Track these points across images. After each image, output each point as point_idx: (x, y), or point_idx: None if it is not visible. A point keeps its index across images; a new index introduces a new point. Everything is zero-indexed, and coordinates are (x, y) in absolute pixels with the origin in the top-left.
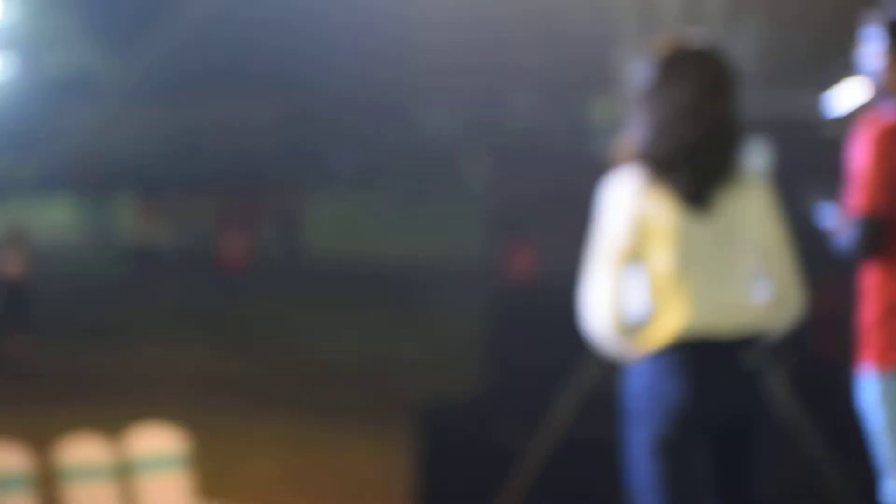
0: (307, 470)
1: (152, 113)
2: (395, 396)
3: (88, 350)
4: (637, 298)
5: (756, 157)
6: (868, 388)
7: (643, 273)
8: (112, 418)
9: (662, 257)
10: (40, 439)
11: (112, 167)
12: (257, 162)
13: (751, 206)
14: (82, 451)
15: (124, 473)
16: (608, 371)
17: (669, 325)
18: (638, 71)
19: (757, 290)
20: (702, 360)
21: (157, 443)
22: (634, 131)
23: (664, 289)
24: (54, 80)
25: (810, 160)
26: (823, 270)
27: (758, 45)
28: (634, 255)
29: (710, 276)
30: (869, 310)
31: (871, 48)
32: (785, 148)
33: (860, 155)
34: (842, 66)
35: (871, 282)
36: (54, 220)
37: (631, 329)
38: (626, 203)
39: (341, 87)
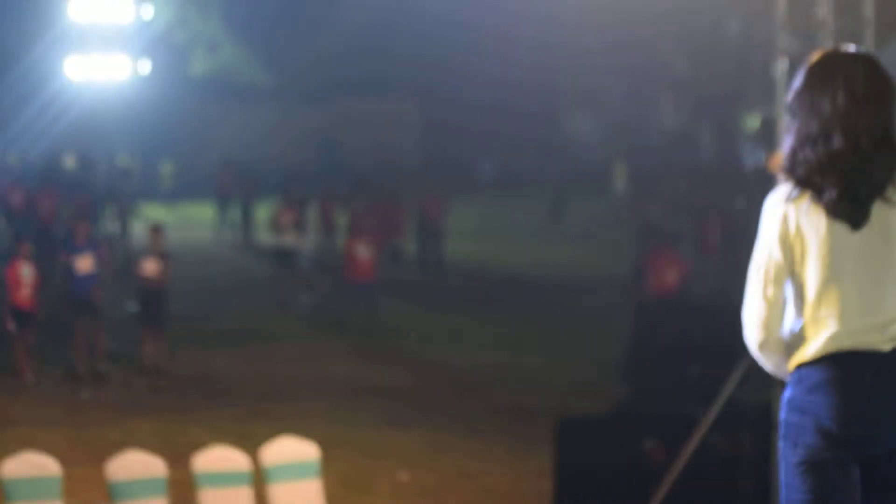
0: (442, 480)
1: (297, 118)
2: (534, 407)
3: (222, 356)
4: (792, 313)
5: None
6: None
7: (797, 287)
8: (247, 426)
9: (814, 271)
10: (177, 447)
11: (255, 172)
12: (400, 168)
13: None
14: (218, 459)
15: (259, 481)
16: (753, 384)
17: (821, 339)
18: (792, 81)
19: None
20: (854, 374)
21: (292, 451)
22: (785, 143)
23: (815, 303)
24: (200, 85)
25: None
26: None
27: None
28: (789, 269)
29: (863, 289)
30: None
31: None
32: None
33: None
34: None
35: None
36: (196, 223)
37: (786, 345)
38: (778, 217)
39: (486, 94)
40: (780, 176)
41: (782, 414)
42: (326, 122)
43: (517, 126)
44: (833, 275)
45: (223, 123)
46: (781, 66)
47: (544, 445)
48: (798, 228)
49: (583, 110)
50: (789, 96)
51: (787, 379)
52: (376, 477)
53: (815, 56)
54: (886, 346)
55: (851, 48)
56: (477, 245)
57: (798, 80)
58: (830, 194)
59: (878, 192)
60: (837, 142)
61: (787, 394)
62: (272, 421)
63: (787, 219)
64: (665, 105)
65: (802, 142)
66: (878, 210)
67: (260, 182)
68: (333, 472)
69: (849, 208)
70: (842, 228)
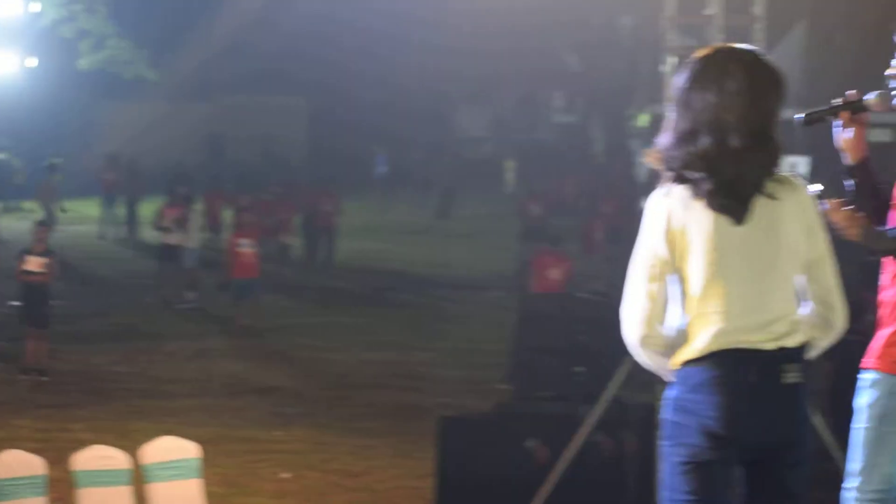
0: (325, 480)
1: (184, 114)
2: (420, 405)
3: (105, 354)
4: (674, 310)
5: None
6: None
7: (680, 283)
8: (129, 424)
9: (698, 268)
10: (58, 445)
11: (141, 168)
12: (288, 165)
13: (792, 217)
14: (97, 457)
15: (138, 480)
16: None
17: (705, 337)
18: (675, 78)
19: (800, 303)
20: (737, 373)
21: (172, 450)
22: (661, 139)
23: (699, 300)
24: (87, 80)
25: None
26: None
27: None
28: (672, 265)
29: (747, 287)
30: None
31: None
32: None
33: None
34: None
35: None
36: (82, 220)
37: (668, 343)
38: (662, 213)
39: (376, 91)
40: (660, 171)
41: (665, 413)
42: (213, 118)
43: (407, 123)
44: (717, 271)
45: (110, 119)
46: (670, 63)
47: (429, 444)
48: (682, 224)
49: (473, 107)
50: (676, 94)
51: (668, 377)
52: (258, 476)
53: (699, 53)
54: (770, 345)
55: (739, 45)
56: (365, 242)
57: (680, 78)
58: (706, 190)
59: (755, 188)
60: (704, 140)
61: (669, 393)
62: (154, 419)
63: (671, 214)
64: (556, 102)
65: (676, 139)
66: (760, 206)
67: (145, 178)
68: (215, 472)
69: (727, 204)
70: (725, 224)
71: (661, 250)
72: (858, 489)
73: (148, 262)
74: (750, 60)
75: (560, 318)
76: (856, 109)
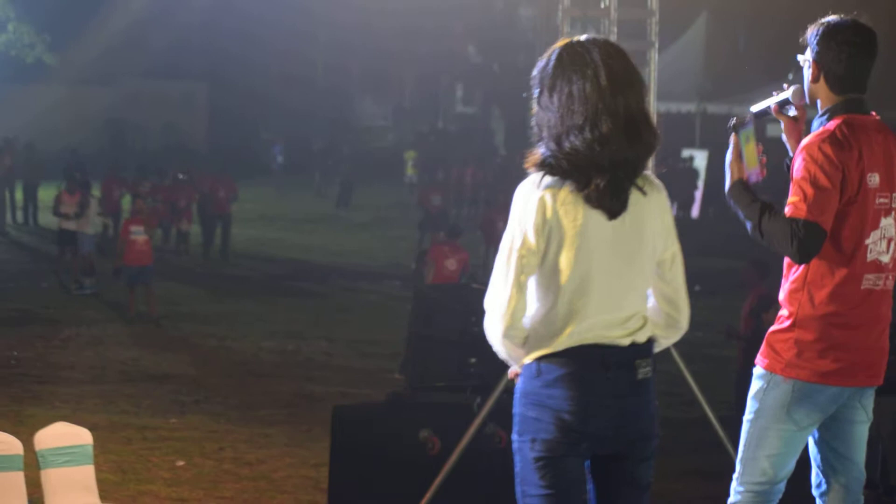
0: (219, 468)
1: (84, 100)
2: (316, 395)
3: (1, 338)
4: (537, 303)
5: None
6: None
7: (546, 277)
8: (24, 410)
9: (566, 262)
10: None
11: (39, 153)
12: (188, 152)
13: (655, 215)
14: None
15: (32, 466)
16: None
17: (566, 332)
18: (536, 73)
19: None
20: (595, 368)
21: (65, 436)
22: (543, 133)
23: (564, 295)
24: None
25: None
26: None
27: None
28: (541, 258)
29: (610, 283)
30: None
31: (804, 57)
32: None
33: (811, 161)
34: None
35: (794, 287)
36: None
37: (527, 334)
38: (534, 205)
39: (277, 81)
40: (535, 168)
41: (517, 408)
42: (114, 103)
43: (308, 112)
44: (584, 267)
45: (9, 102)
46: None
47: (324, 433)
48: (556, 217)
49: (374, 97)
50: (537, 88)
51: (516, 368)
52: (153, 464)
53: (556, 46)
54: (625, 341)
55: (594, 36)
56: (264, 231)
57: (546, 71)
58: (596, 184)
59: (630, 181)
60: (605, 127)
61: (522, 387)
62: (49, 406)
63: (545, 206)
64: (457, 93)
65: (567, 131)
66: (632, 200)
67: (44, 163)
68: (109, 459)
69: (610, 198)
70: (599, 219)
71: (533, 242)
72: (738, 480)
73: (45, 248)
74: (607, 51)
75: (455, 309)
76: (782, 104)
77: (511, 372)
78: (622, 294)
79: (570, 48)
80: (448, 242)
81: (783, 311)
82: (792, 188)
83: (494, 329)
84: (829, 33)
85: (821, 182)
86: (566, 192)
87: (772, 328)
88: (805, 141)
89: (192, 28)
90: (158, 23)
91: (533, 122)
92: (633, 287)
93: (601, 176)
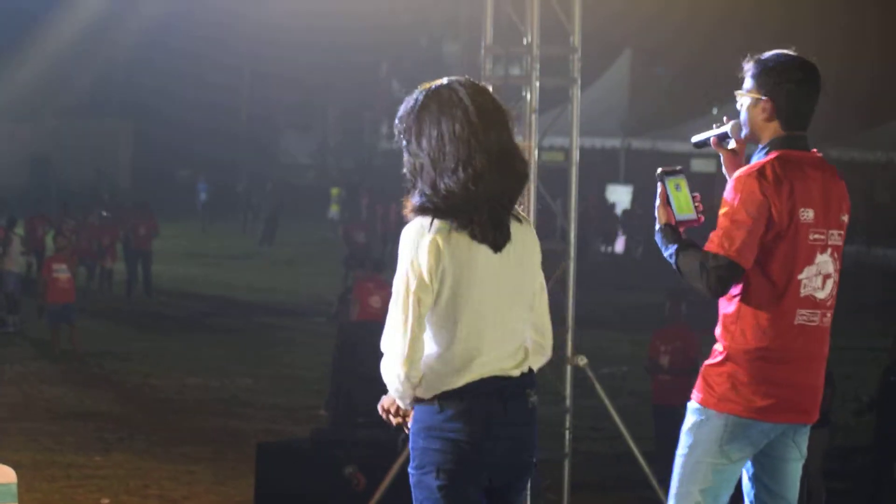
0: None
1: (7, 137)
2: (241, 431)
3: None
4: (435, 342)
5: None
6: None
7: (442, 316)
8: None
9: (460, 300)
10: None
11: None
12: (112, 189)
13: (532, 249)
14: None
15: None
16: None
17: (465, 367)
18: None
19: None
20: (492, 401)
21: None
22: (418, 179)
23: (460, 332)
24: None
25: None
26: None
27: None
28: (435, 299)
29: (501, 316)
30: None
31: (747, 92)
32: None
33: (733, 194)
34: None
35: (727, 321)
36: None
37: (424, 374)
38: (426, 247)
39: (202, 118)
40: (415, 212)
41: (419, 442)
42: (38, 140)
43: (233, 149)
44: (477, 304)
45: None
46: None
47: (248, 470)
48: (448, 257)
49: (298, 132)
50: (404, 136)
51: (408, 405)
52: (78, 502)
53: (421, 90)
54: (516, 371)
55: (457, 77)
56: (188, 268)
57: (411, 117)
58: (477, 220)
59: (507, 212)
60: (479, 164)
61: (423, 422)
62: None
63: (437, 248)
64: (382, 129)
65: (441, 173)
66: (513, 230)
67: None
68: (34, 497)
69: (493, 232)
70: (486, 254)
71: (427, 283)
72: None
73: None
74: (473, 90)
75: (379, 346)
76: (721, 137)
77: (382, 408)
78: (512, 326)
79: (434, 92)
80: (372, 278)
81: (717, 346)
82: (718, 220)
83: (395, 371)
84: (776, 70)
85: (739, 216)
86: (454, 233)
87: (706, 362)
88: (736, 173)
89: (115, 64)
90: (81, 59)
91: (404, 170)
92: (520, 318)
93: (480, 212)
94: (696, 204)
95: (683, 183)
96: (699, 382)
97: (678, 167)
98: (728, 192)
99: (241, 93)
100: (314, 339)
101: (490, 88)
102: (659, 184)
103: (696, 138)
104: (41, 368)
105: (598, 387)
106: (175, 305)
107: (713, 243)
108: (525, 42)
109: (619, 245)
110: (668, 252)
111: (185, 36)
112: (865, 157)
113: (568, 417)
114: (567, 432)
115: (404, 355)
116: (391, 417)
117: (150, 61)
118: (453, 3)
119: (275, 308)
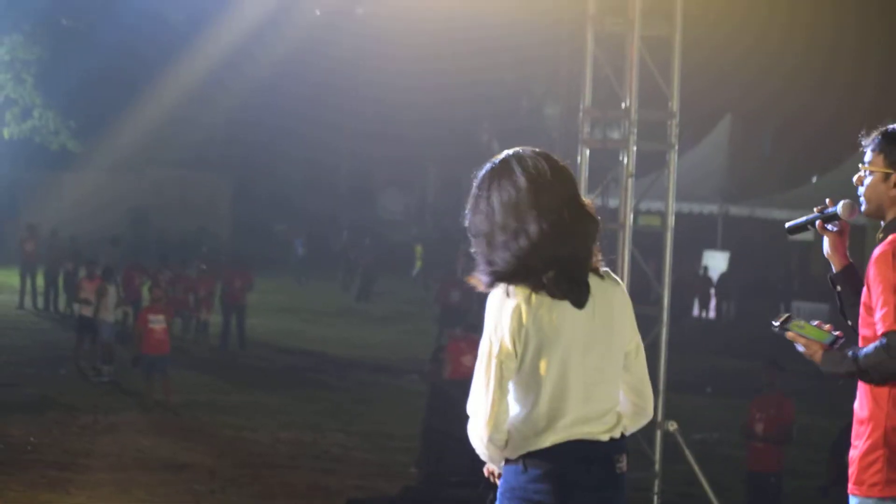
0: None
1: (108, 187)
2: (332, 487)
3: (18, 424)
4: (520, 404)
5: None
6: None
7: (526, 379)
8: (40, 496)
9: (545, 363)
10: None
11: (62, 239)
12: (210, 242)
13: (622, 308)
14: None
15: None
16: None
17: (549, 430)
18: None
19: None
20: (577, 464)
21: None
22: (490, 251)
23: (545, 394)
24: (12, 149)
25: None
26: None
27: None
28: (520, 362)
29: (587, 377)
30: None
31: (864, 161)
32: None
33: (883, 269)
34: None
35: (883, 405)
36: (1, 288)
37: (511, 436)
38: (510, 311)
39: (300, 172)
40: (487, 287)
41: (503, 502)
42: (138, 190)
43: (330, 205)
44: (562, 366)
45: (34, 189)
46: (583, 155)
47: None
48: (532, 320)
49: (398, 189)
50: (475, 210)
51: (498, 468)
52: None
53: (490, 164)
54: (605, 436)
55: (519, 148)
56: (282, 322)
57: (480, 187)
58: (548, 277)
59: (586, 264)
60: (533, 231)
61: (508, 483)
62: (64, 492)
63: (520, 312)
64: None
65: (506, 240)
66: (594, 287)
67: (67, 249)
68: None
69: (569, 286)
70: (571, 313)
71: (509, 347)
72: None
73: (65, 334)
74: (541, 154)
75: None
76: (827, 219)
77: (486, 469)
78: (599, 388)
79: (489, 170)
80: (465, 338)
81: (865, 429)
82: (879, 301)
83: (479, 434)
84: None
85: None
86: (534, 295)
87: (858, 451)
88: (876, 251)
89: (219, 119)
90: (185, 112)
91: (471, 250)
92: (608, 380)
93: (548, 272)
94: (826, 326)
95: (801, 321)
96: (856, 473)
97: (786, 314)
98: (880, 271)
99: (341, 149)
100: (407, 396)
101: (587, 152)
102: (786, 335)
103: (792, 224)
104: (135, 419)
105: (687, 452)
106: (269, 359)
107: (887, 322)
108: (623, 106)
109: (712, 310)
110: (846, 366)
111: (289, 95)
112: None
113: (657, 482)
114: (655, 497)
115: (487, 418)
116: (494, 479)
117: (249, 115)
118: (556, 64)
119: (369, 364)
